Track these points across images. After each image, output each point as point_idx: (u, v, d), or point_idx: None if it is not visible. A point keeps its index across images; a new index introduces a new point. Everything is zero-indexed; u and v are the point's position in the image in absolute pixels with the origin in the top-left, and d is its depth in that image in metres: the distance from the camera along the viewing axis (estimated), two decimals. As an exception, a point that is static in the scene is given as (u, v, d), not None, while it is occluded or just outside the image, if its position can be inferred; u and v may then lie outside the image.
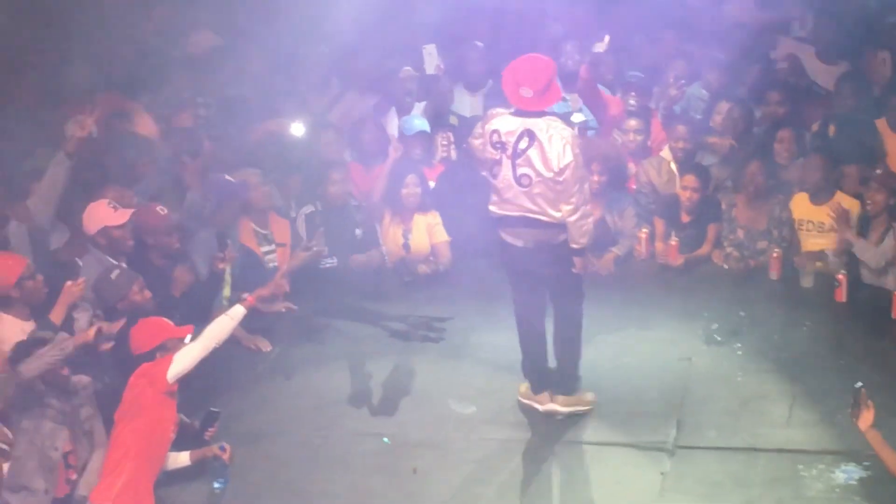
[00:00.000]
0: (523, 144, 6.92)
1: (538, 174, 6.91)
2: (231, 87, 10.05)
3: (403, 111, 10.06)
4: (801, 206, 8.99)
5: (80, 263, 7.57)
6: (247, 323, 7.36)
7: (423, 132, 9.57)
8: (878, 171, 8.61)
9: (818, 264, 8.74)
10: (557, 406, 7.29)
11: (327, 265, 8.94)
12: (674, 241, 9.08)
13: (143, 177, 8.69)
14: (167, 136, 9.22)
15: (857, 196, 8.76)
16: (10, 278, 6.88)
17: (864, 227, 8.59)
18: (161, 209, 7.89)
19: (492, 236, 7.36)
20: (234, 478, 6.80)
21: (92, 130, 7.89)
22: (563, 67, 9.16)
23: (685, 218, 9.20)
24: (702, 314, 8.45)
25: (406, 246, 9.18)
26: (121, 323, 6.95)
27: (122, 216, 7.60)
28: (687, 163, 9.42)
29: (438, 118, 9.90)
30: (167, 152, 8.94)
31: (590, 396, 7.38)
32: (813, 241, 8.92)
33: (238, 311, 6.84)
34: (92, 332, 6.52)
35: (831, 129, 9.55)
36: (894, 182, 8.53)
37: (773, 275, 8.86)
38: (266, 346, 8.21)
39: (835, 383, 7.38)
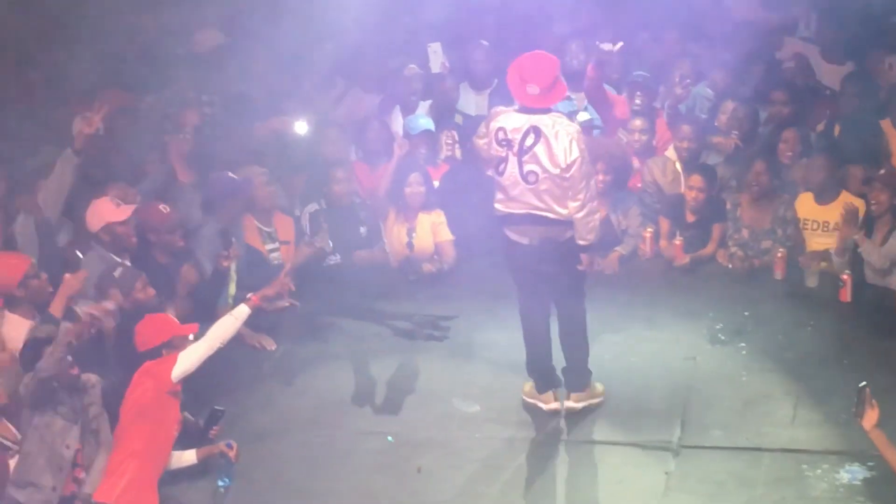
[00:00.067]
0: (529, 141, 6.93)
1: (545, 171, 6.92)
2: (236, 86, 10.06)
3: (408, 110, 10.06)
4: (805, 205, 8.99)
5: (80, 256, 7.57)
6: (251, 321, 7.36)
7: (427, 131, 9.57)
8: (882, 171, 8.60)
9: (823, 264, 8.73)
10: (573, 403, 7.30)
11: (331, 262, 8.96)
12: (678, 240, 9.07)
13: (146, 175, 8.70)
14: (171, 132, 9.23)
15: (862, 196, 8.75)
16: (14, 278, 6.89)
17: (868, 228, 8.57)
18: (164, 207, 7.90)
19: (496, 235, 7.37)
20: (238, 476, 6.80)
21: (99, 127, 7.90)
22: (568, 66, 9.17)
23: (690, 217, 9.20)
24: (706, 314, 8.45)
25: (410, 244, 9.18)
26: (110, 305, 6.87)
27: (124, 212, 7.61)
28: (692, 162, 9.42)
29: (443, 117, 9.90)
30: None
31: (599, 388, 7.40)
32: (817, 241, 8.91)
33: (242, 310, 6.84)
34: (88, 316, 6.50)
35: (836, 130, 9.56)
36: (899, 182, 8.54)
37: (778, 274, 8.86)
38: (271, 345, 8.22)
39: (839, 383, 7.37)
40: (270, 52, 10.19)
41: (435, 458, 7.01)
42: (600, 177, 8.80)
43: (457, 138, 9.67)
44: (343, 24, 9.83)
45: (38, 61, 9.54)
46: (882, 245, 8.39)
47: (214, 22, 10.40)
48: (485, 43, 10.32)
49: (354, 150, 9.85)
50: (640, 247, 9.28)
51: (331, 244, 8.87)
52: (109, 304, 6.80)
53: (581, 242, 7.07)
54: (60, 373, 6.32)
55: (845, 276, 8.43)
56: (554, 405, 7.31)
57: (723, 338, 8.17)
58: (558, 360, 7.39)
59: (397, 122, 9.99)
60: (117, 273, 7.20)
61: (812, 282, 8.73)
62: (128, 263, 7.50)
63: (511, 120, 7.00)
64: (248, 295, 7.00)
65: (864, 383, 6.12)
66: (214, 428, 7.03)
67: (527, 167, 6.95)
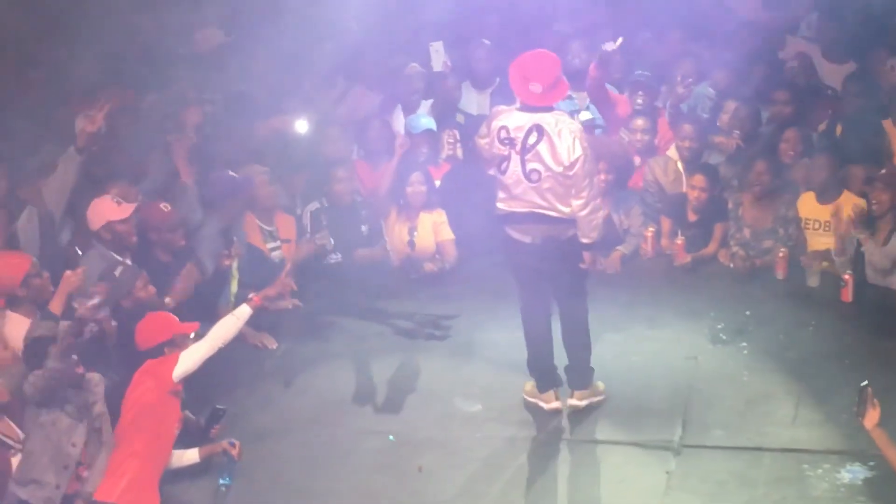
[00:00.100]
0: (532, 139, 6.94)
1: (548, 169, 6.93)
2: (236, 85, 10.06)
3: (409, 109, 10.06)
4: (807, 205, 8.98)
5: (80, 253, 7.57)
6: (253, 320, 7.37)
7: (429, 130, 9.57)
8: (884, 171, 8.59)
9: (824, 264, 8.73)
10: (576, 400, 7.31)
11: (332, 261, 8.96)
12: (680, 240, 9.07)
13: (147, 173, 8.70)
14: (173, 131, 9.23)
15: (863, 196, 8.75)
16: (16, 277, 6.89)
17: (870, 227, 8.57)
18: (165, 206, 7.90)
19: (498, 234, 7.37)
20: (238, 475, 6.80)
21: (101, 126, 7.91)
22: (569, 65, 9.17)
23: (692, 217, 9.20)
24: (708, 313, 8.45)
25: (411, 243, 9.18)
26: (94, 300, 6.80)
27: (125, 211, 7.61)
28: (693, 162, 9.42)
29: (445, 116, 9.90)
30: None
31: (601, 386, 7.42)
32: (819, 241, 8.91)
33: (244, 310, 6.84)
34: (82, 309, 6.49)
35: (838, 129, 9.56)
36: (900, 182, 8.53)
37: (779, 274, 8.86)
38: (272, 344, 8.23)
39: (840, 383, 7.37)
40: (271, 51, 10.18)
41: (436, 458, 7.01)
42: (602, 176, 8.80)
43: (458, 137, 9.67)
44: (344, 22, 9.83)
45: (39, 60, 9.53)
46: (884, 245, 8.38)
47: (215, 21, 10.40)
48: (487, 42, 10.32)
49: (356, 150, 9.84)
50: (642, 246, 9.28)
51: (332, 241, 8.87)
52: (94, 300, 6.72)
53: (584, 241, 7.08)
54: (67, 371, 6.32)
55: (847, 276, 8.42)
56: (555, 404, 7.31)
57: (724, 337, 8.17)
58: (559, 359, 7.38)
59: (399, 121, 9.99)
60: (118, 272, 7.20)
61: (813, 281, 8.73)
62: (128, 262, 7.50)
63: (513, 118, 7.01)
64: (250, 295, 7.00)
65: (865, 382, 6.12)
66: (215, 427, 7.03)
67: (530, 165, 6.96)
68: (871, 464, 6.62)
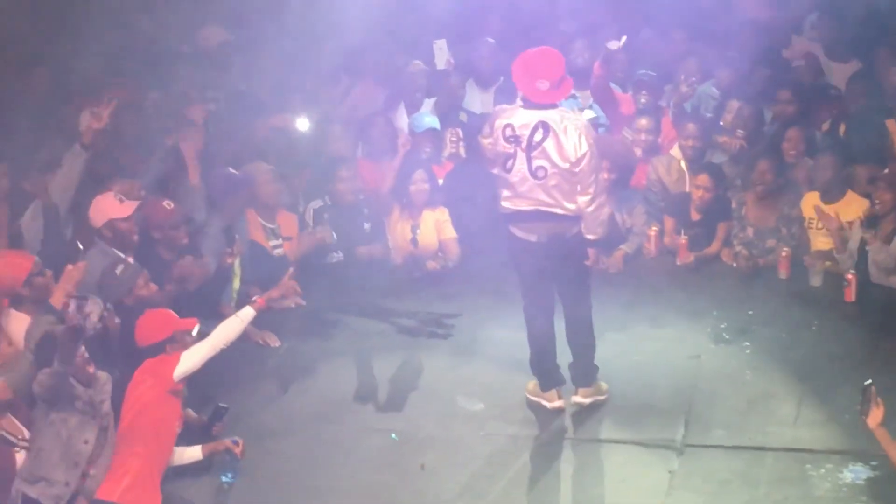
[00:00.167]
0: (538, 137, 6.95)
1: (554, 166, 6.94)
2: (240, 82, 10.07)
3: (413, 107, 10.07)
4: (811, 204, 8.98)
5: (81, 248, 7.57)
6: (255, 318, 7.37)
7: (432, 129, 9.57)
8: (887, 171, 8.59)
9: (827, 263, 8.73)
10: (580, 398, 7.31)
11: (334, 260, 8.96)
12: (683, 239, 9.07)
13: (150, 170, 8.71)
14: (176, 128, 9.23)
15: (867, 196, 8.75)
16: (19, 277, 6.88)
17: (873, 227, 8.57)
18: (168, 203, 7.90)
19: (500, 233, 7.37)
20: (241, 472, 6.80)
21: (107, 122, 7.92)
22: (572, 64, 9.16)
23: (695, 216, 9.20)
24: (711, 312, 8.45)
25: (414, 241, 9.19)
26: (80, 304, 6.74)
27: (127, 208, 7.60)
28: (697, 161, 9.42)
29: (448, 114, 9.90)
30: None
31: (604, 386, 7.42)
32: (822, 240, 8.91)
33: (247, 312, 6.82)
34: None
35: (842, 129, 9.55)
36: (903, 181, 8.53)
37: (782, 274, 8.86)
38: (275, 342, 8.23)
39: (843, 383, 7.37)
40: (274, 49, 10.20)
41: (438, 456, 7.01)
42: (605, 175, 8.80)
43: (461, 136, 9.67)
44: (348, 20, 9.83)
45: (43, 57, 9.54)
46: (887, 244, 8.37)
47: (218, 19, 10.40)
48: (490, 40, 10.32)
49: (361, 147, 9.84)
50: (645, 245, 9.28)
51: (334, 235, 8.86)
52: (70, 306, 6.60)
53: (590, 237, 7.10)
54: (74, 371, 6.32)
55: (850, 276, 8.42)
56: (558, 403, 7.31)
57: (727, 337, 8.16)
58: (562, 357, 7.38)
59: (402, 119, 9.99)
60: (119, 270, 7.19)
61: (816, 281, 8.73)
62: (131, 260, 7.50)
63: (518, 116, 7.02)
64: (254, 297, 6.99)
65: (869, 381, 6.11)
66: (218, 424, 7.03)
67: (535, 162, 6.97)
68: (874, 464, 6.62)
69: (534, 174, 6.99)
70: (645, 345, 8.09)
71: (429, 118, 9.67)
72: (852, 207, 8.75)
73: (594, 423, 7.23)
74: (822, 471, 6.69)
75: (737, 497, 6.55)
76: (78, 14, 9.62)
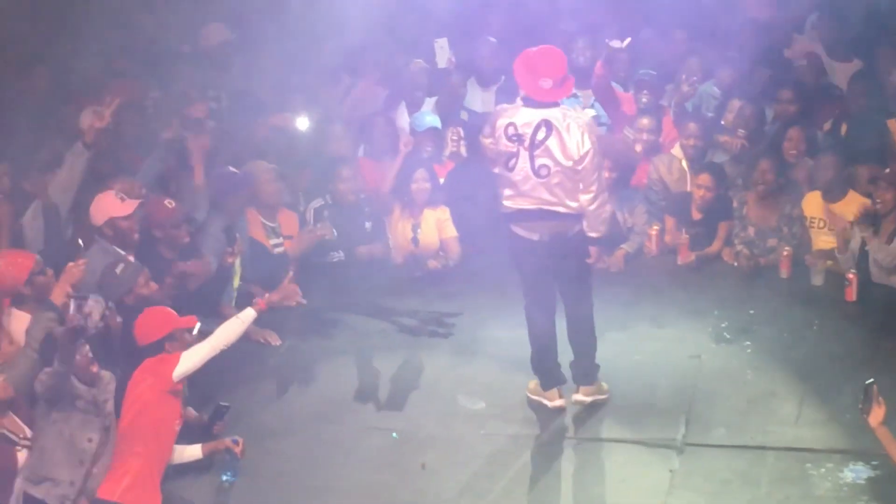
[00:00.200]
0: (541, 135, 6.95)
1: (557, 164, 6.94)
2: (241, 82, 10.07)
3: (413, 105, 10.06)
4: (813, 203, 8.98)
5: (81, 244, 7.57)
6: (257, 319, 7.36)
7: (434, 128, 9.56)
8: (888, 170, 8.59)
9: (828, 263, 8.73)
10: (582, 396, 7.31)
11: (335, 259, 8.96)
12: (684, 238, 9.07)
13: (151, 168, 8.71)
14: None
15: (869, 195, 8.75)
16: (21, 276, 6.89)
17: (874, 226, 8.56)
18: (169, 202, 7.90)
19: (501, 232, 7.37)
20: (241, 471, 6.80)
21: (110, 121, 7.93)
22: (574, 63, 9.16)
23: (696, 215, 9.19)
24: (712, 312, 8.45)
25: (415, 240, 9.18)
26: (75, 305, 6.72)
27: (128, 207, 7.60)
28: (698, 160, 9.42)
29: (449, 113, 9.89)
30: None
31: (605, 386, 7.41)
32: (824, 240, 8.91)
33: (248, 314, 6.79)
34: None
35: (843, 128, 9.55)
36: (904, 181, 8.52)
37: (784, 273, 8.85)
38: (276, 341, 8.22)
39: (844, 382, 7.37)
40: (275, 48, 10.20)
41: (439, 455, 7.01)
42: (606, 174, 8.78)
43: (462, 135, 9.66)
44: (348, 19, 9.83)
45: (44, 57, 9.55)
46: (888, 244, 8.37)
47: (219, 18, 10.40)
48: (492, 39, 10.31)
49: (363, 147, 9.84)
50: (646, 244, 9.28)
51: (334, 232, 8.85)
52: (70, 308, 6.59)
53: (592, 234, 7.10)
54: (79, 369, 6.32)
55: (851, 275, 8.42)
56: (559, 402, 7.31)
57: (728, 336, 8.16)
58: (563, 356, 7.38)
59: (403, 119, 9.99)
60: (119, 269, 7.18)
61: (818, 280, 8.72)
62: (131, 258, 7.50)
63: (521, 115, 7.02)
64: (255, 299, 6.96)
65: (871, 380, 6.10)
66: (219, 423, 7.03)
67: (538, 161, 6.97)
68: (875, 463, 6.62)
69: (536, 173, 6.99)
70: (646, 344, 8.09)
71: (430, 117, 9.66)
72: (853, 207, 8.74)
73: (595, 423, 7.23)
74: (823, 470, 6.69)
75: (738, 496, 6.55)
76: (78, 14, 9.62)
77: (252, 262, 8.45)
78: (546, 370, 7.34)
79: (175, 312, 6.84)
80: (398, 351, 8.15)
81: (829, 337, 8.07)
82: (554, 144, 6.95)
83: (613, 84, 9.64)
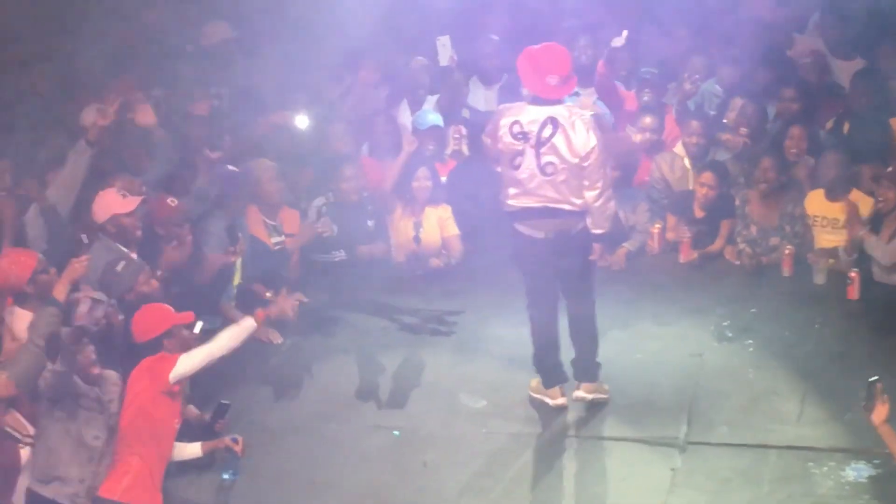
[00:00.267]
0: (547, 132, 6.97)
1: (563, 161, 6.96)
2: (243, 79, 10.07)
3: (415, 103, 10.06)
4: (815, 202, 8.97)
5: (85, 240, 7.58)
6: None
7: (436, 126, 9.56)
8: (890, 169, 8.58)
9: (831, 261, 8.72)
10: (583, 393, 7.30)
11: (337, 258, 8.96)
12: (686, 236, 9.06)
13: (148, 167, 8.72)
14: (183, 126, 9.23)
15: (872, 194, 8.74)
16: (24, 274, 6.88)
17: (875, 225, 8.56)
18: (172, 200, 7.90)
19: (503, 230, 7.37)
20: (243, 469, 6.81)
21: (113, 119, 7.94)
22: (575, 61, 9.15)
23: (698, 213, 9.19)
24: (714, 310, 8.45)
25: (417, 238, 9.18)
26: (83, 307, 6.72)
27: (130, 203, 7.60)
28: (700, 159, 9.42)
29: (451, 111, 9.89)
30: (177, 140, 8.94)
31: (606, 387, 7.41)
32: (827, 238, 8.89)
33: (249, 323, 6.70)
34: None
35: (845, 127, 9.54)
36: (906, 180, 8.52)
37: (786, 271, 8.85)
38: (277, 339, 8.22)
39: (846, 381, 7.36)
40: (277, 46, 10.19)
41: (441, 453, 7.01)
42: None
43: (464, 133, 9.66)
44: (350, 17, 9.83)
45: (46, 54, 9.55)
46: (889, 242, 8.37)
47: (222, 16, 10.40)
48: (495, 38, 10.31)
49: (367, 147, 9.84)
50: (648, 243, 9.28)
51: (335, 229, 8.84)
52: (84, 307, 6.62)
53: (597, 231, 7.12)
54: (81, 369, 6.32)
55: (853, 274, 8.41)
56: (561, 401, 7.31)
57: (730, 334, 8.16)
58: (565, 354, 7.38)
59: (405, 117, 9.98)
60: (120, 266, 7.18)
61: (820, 279, 8.72)
62: (134, 256, 7.50)
63: (526, 113, 7.03)
64: (256, 309, 6.91)
65: (875, 378, 6.08)
66: (221, 421, 7.03)
67: (544, 159, 6.98)
68: (877, 462, 6.62)
69: (542, 170, 7.00)
70: (647, 342, 8.09)
71: (432, 115, 9.66)
72: (859, 206, 8.73)
73: (597, 421, 7.23)
74: (825, 469, 6.69)
75: (739, 495, 6.55)
76: (80, 12, 9.62)
77: (252, 260, 8.45)
78: (548, 368, 7.34)
79: (171, 308, 6.81)
80: (400, 349, 8.15)
81: (831, 335, 8.07)
82: (560, 141, 6.96)
83: (616, 82, 9.63)
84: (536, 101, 7.06)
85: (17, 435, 6.41)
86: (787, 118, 9.58)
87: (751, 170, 9.24)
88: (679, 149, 9.57)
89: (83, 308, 6.36)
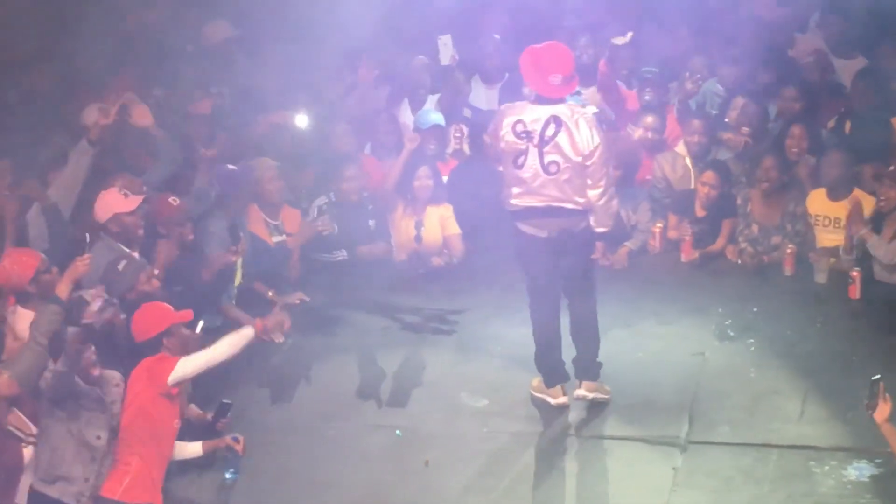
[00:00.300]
0: (550, 131, 6.98)
1: (567, 160, 6.97)
2: (244, 78, 10.07)
3: (416, 102, 10.06)
4: (817, 201, 8.97)
5: (87, 238, 7.58)
6: (260, 313, 7.34)
7: (438, 126, 9.56)
8: (892, 168, 8.58)
9: (832, 260, 8.72)
10: (584, 391, 7.30)
11: (338, 258, 8.95)
12: (688, 235, 9.06)
13: (148, 167, 8.72)
14: (182, 125, 9.23)
15: (874, 193, 8.74)
16: (26, 274, 6.88)
17: (877, 224, 8.56)
18: (174, 199, 7.90)
19: (505, 230, 7.37)
20: (245, 468, 6.81)
21: (115, 119, 7.95)
22: (577, 61, 9.15)
23: (700, 213, 9.18)
24: (715, 309, 8.44)
25: (418, 237, 9.18)
26: (95, 306, 6.71)
27: (132, 203, 7.60)
28: (702, 158, 9.41)
29: (452, 110, 9.89)
30: (178, 140, 8.95)
31: (607, 388, 7.40)
32: (828, 237, 8.89)
33: (248, 331, 6.67)
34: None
35: (847, 126, 9.54)
36: (908, 179, 8.52)
37: (787, 270, 8.85)
38: (279, 338, 8.20)
39: (847, 380, 7.36)
40: (278, 45, 10.20)
41: (442, 452, 7.01)
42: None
43: (465, 132, 9.67)
44: (351, 17, 9.83)
45: (47, 54, 9.55)
46: (891, 241, 8.37)
47: (223, 14, 10.41)
48: (497, 37, 10.31)
49: (369, 146, 9.84)
50: (650, 242, 9.28)
51: (335, 227, 8.84)
52: (96, 305, 6.67)
53: (600, 229, 7.13)
54: (81, 370, 6.32)
55: (855, 273, 8.41)
56: (562, 400, 7.31)
57: (731, 333, 8.16)
58: (566, 353, 7.37)
59: (405, 116, 9.98)
60: (122, 265, 7.18)
61: (821, 278, 8.71)
62: (136, 255, 7.50)
63: (529, 112, 7.04)
64: (256, 319, 6.88)
65: (877, 376, 6.08)
66: (223, 420, 7.03)
67: (548, 158, 6.99)
68: (878, 461, 6.62)
69: (546, 169, 7.01)
70: (649, 341, 8.09)
71: (434, 115, 9.66)
72: (859, 206, 8.72)
73: (598, 420, 7.22)
74: (827, 468, 6.69)
75: (741, 494, 6.55)
76: (82, 11, 9.62)
77: (253, 260, 8.44)
78: (549, 367, 7.34)
79: (170, 307, 6.80)
80: (401, 348, 8.15)
81: (833, 334, 8.07)
82: (564, 140, 6.97)
83: (617, 81, 9.63)
84: (539, 100, 7.07)
85: (20, 434, 6.41)
86: (788, 117, 9.58)
87: (752, 169, 9.24)
88: (681, 148, 9.57)
89: (94, 307, 6.38)
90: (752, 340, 8.05)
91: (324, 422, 7.38)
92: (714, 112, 9.97)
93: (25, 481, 6.36)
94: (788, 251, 8.83)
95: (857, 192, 8.83)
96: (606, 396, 7.35)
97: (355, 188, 9.06)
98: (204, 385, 7.07)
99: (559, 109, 7.02)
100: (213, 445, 6.84)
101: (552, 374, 7.34)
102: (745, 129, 9.49)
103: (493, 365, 7.87)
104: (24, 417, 6.45)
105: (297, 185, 9.28)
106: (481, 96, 10.24)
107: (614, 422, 7.21)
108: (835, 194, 8.90)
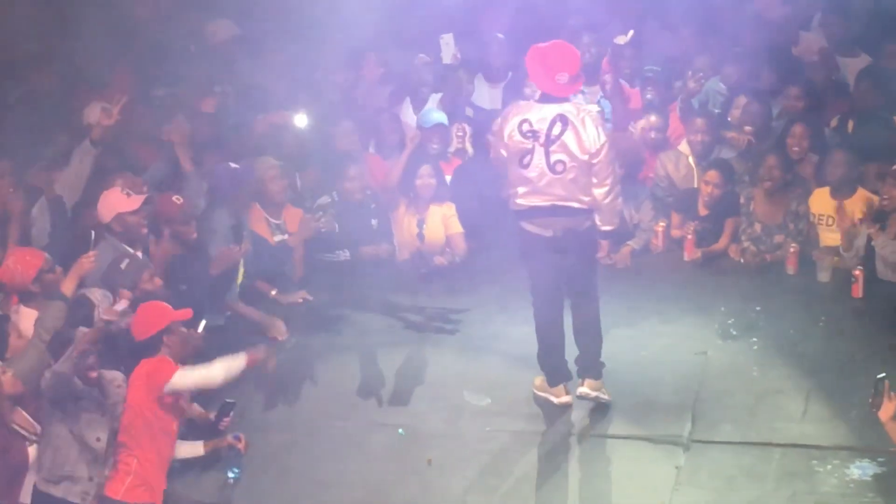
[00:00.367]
0: (556, 130, 6.97)
1: (573, 158, 6.96)
2: (248, 77, 10.07)
3: (418, 101, 10.06)
4: (821, 200, 8.96)
5: (92, 234, 7.59)
6: (263, 310, 7.37)
7: (440, 124, 9.55)
8: (895, 167, 8.57)
9: (835, 259, 8.71)
10: (587, 389, 7.28)
11: (341, 258, 8.95)
12: (690, 234, 9.06)
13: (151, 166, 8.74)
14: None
15: (875, 192, 8.74)
16: (29, 273, 6.90)
17: (880, 223, 8.55)
18: (177, 198, 7.91)
19: (508, 229, 7.37)
20: (247, 467, 6.82)
21: (117, 119, 7.97)
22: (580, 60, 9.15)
23: (703, 212, 9.18)
24: (718, 308, 8.43)
25: (420, 236, 9.17)
26: (122, 305, 6.78)
27: (135, 202, 7.61)
28: (705, 157, 9.41)
29: (455, 109, 9.88)
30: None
31: (608, 391, 7.37)
32: (831, 236, 8.89)
33: (242, 361, 6.64)
34: (101, 322, 6.50)
35: (850, 125, 9.53)
36: (911, 178, 8.51)
37: (790, 269, 8.84)
38: (282, 336, 8.22)
39: (850, 379, 7.37)
40: (281, 43, 10.19)
41: (445, 451, 7.01)
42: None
43: (468, 131, 9.66)
44: (353, 16, 9.83)
45: (49, 53, 9.56)
46: (894, 240, 8.36)
47: (227, 13, 10.41)
48: (500, 36, 10.31)
49: (373, 145, 9.84)
50: (653, 241, 9.27)
51: (336, 226, 8.84)
52: (121, 305, 6.72)
53: (606, 228, 7.15)
54: (80, 373, 6.32)
55: (857, 272, 8.40)
56: (565, 399, 7.30)
57: (734, 332, 8.15)
58: (569, 352, 7.37)
59: (408, 114, 9.98)
60: (124, 264, 7.18)
61: (824, 277, 8.71)
62: (139, 254, 7.50)
63: (535, 111, 7.04)
64: (250, 350, 6.82)
65: (882, 374, 6.06)
66: (225, 420, 7.03)
67: (554, 157, 6.99)
68: (881, 460, 6.62)
69: (552, 169, 7.01)
70: (652, 340, 8.08)
71: (437, 114, 9.65)
72: (862, 204, 8.72)
73: (601, 419, 7.22)
74: (830, 466, 6.69)
75: (743, 493, 6.55)
76: (84, 11, 9.63)
77: (255, 257, 8.44)
78: (552, 366, 7.34)
79: (169, 306, 6.79)
80: (404, 347, 8.15)
81: (836, 333, 8.06)
82: (570, 139, 6.97)
83: (620, 80, 9.62)
84: (545, 98, 7.07)
85: (24, 433, 6.42)
86: (791, 116, 9.57)
87: (755, 168, 9.23)
88: (684, 147, 9.56)
89: (120, 307, 6.42)
90: (754, 339, 8.05)
91: (326, 421, 7.38)
92: (717, 111, 9.96)
93: (30, 480, 6.37)
94: (791, 250, 8.83)
95: (861, 192, 8.82)
96: (608, 398, 7.35)
97: (358, 187, 9.05)
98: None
99: (565, 108, 7.02)
100: (215, 445, 6.84)
101: (555, 372, 7.33)
102: (748, 128, 9.49)
103: (496, 364, 7.87)
104: (28, 417, 6.45)
105: (295, 183, 9.27)
106: (485, 95, 10.24)
107: (617, 421, 7.21)
108: (839, 193, 8.89)
